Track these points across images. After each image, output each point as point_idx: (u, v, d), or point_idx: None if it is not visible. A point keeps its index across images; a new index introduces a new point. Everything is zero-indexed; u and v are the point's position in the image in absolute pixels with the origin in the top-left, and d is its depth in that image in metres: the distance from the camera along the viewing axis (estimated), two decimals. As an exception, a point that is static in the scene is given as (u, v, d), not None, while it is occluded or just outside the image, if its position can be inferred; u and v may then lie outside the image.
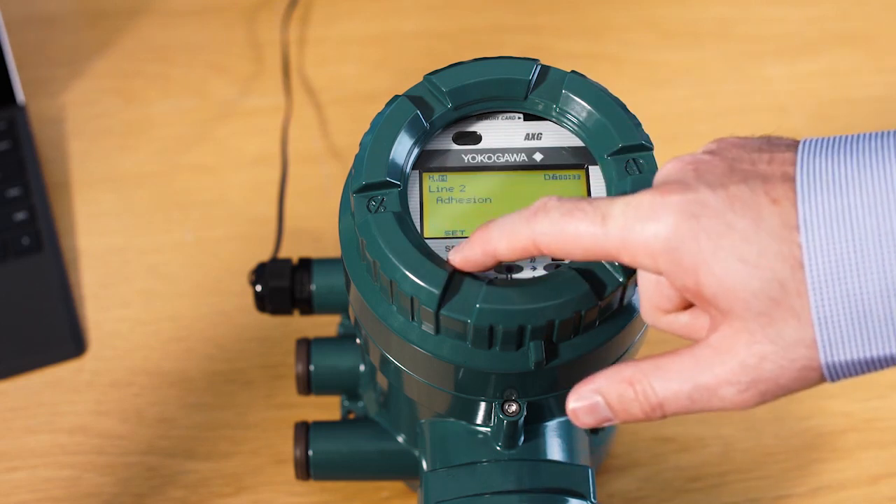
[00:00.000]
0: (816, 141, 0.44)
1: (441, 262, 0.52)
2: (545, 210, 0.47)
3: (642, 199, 0.45)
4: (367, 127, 0.57)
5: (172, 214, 0.85)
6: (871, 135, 0.43)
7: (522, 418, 0.56)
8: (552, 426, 0.59)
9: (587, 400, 0.48)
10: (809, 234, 0.42)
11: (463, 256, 0.51)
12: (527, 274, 0.54)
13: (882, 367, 0.43)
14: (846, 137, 0.44)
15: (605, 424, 0.48)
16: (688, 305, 0.49)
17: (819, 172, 0.43)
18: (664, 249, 0.44)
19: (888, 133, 0.43)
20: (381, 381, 0.63)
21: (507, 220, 0.49)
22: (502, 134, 0.58)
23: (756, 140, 0.46)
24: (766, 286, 0.42)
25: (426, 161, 0.57)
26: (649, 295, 0.50)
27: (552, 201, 0.47)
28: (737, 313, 0.43)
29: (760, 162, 0.44)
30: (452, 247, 0.55)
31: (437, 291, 0.51)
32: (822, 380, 0.44)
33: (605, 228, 0.45)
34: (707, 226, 0.43)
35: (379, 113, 0.57)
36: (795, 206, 0.42)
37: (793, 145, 0.45)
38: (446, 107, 0.57)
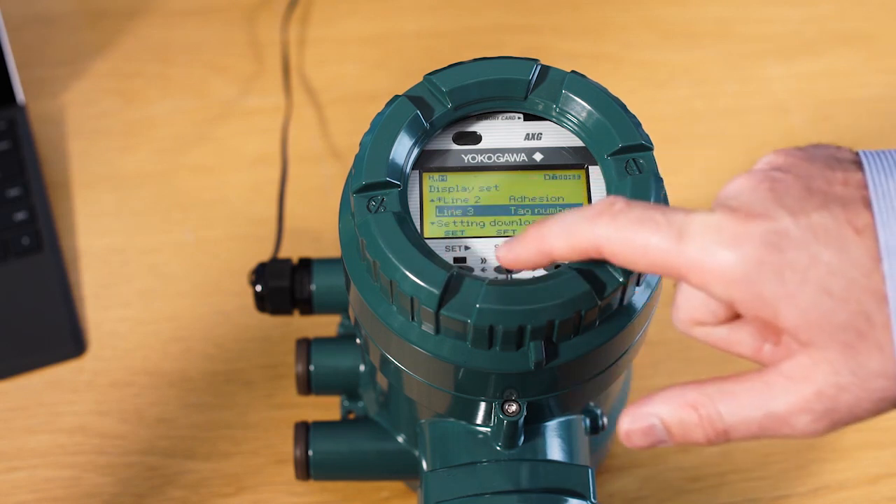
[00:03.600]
0: (878, 157, 0.43)
1: (441, 262, 0.52)
2: (611, 213, 0.45)
3: (723, 222, 0.43)
4: (367, 127, 0.57)
5: (172, 214, 0.85)
6: None
7: (522, 418, 0.56)
8: (552, 426, 0.59)
9: (643, 422, 0.46)
10: (892, 263, 0.41)
11: (515, 255, 0.49)
12: (527, 274, 0.54)
13: None
14: None
15: (658, 446, 0.46)
16: (727, 321, 0.47)
17: (893, 196, 0.42)
18: (743, 280, 0.43)
19: None
20: (381, 381, 0.63)
21: (567, 218, 0.46)
22: (502, 134, 0.58)
23: (819, 152, 0.45)
24: (853, 319, 0.42)
25: (426, 161, 0.57)
26: (690, 308, 0.48)
27: (619, 203, 0.45)
28: (819, 345, 0.42)
29: (835, 182, 0.43)
30: (453, 247, 0.55)
31: (437, 291, 0.51)
32: (894, 407, 0.43)
33: (680, 247, 0.43)
34: (792, 259, 0.42)
35: (379, 113, 0.57)
36: (876, 234, 0.42)
37: (857, 162, 0.44)
38: (446, 107, 0.57)
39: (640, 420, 0.46)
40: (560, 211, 0.55)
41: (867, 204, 0.42)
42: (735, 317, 0.47)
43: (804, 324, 0.42)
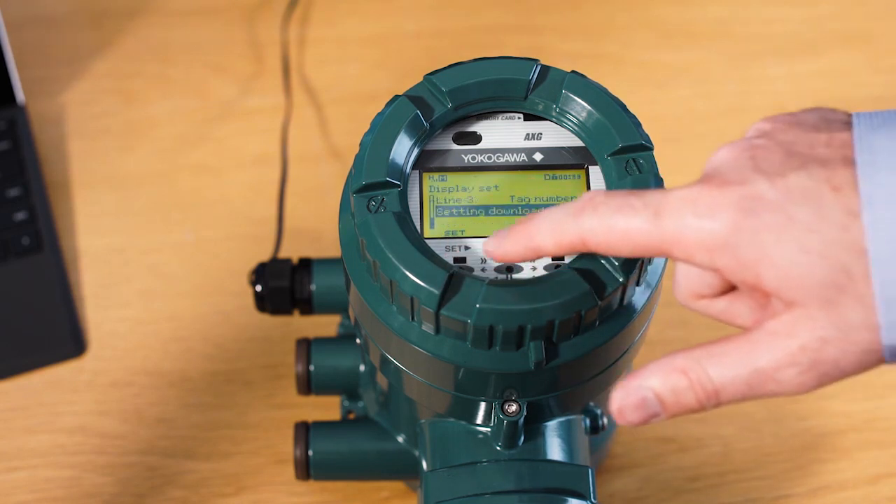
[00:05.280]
0: (870, 116, 0.44)
1: (441, 262, 0.52)
2: (593, 206, 0.46)
3: (699, 193, 0.44)
4: (367, 127, 0.57)
5: (172, 214, 0.85)
6: None
7: (522, 418, 0.56)
8: (552, 426, 0.60)
9: (635, 395, 0.46)
10: (872, 214, 0.41)
11: (504, 251, 0.49)
12: (527, 274, 0.54)
13: None
14: None
15: (652, 421, 0.46)
16: (725, 292, 0.48)
17: (879, 150, 0.42)
18: (722, 246, 0.43)
19: None
20: (381, 381, 0.63)
21: (552, 215, 0.47)
22: (502, 134, 0.58)
23: (810, 115, 0.45)
24: (831, 274, 0.42)
25: (426, 161, 0.57)
26: (688, 282, 0.49)
27: (599, 196, 0.46)
28: (800, 302, 0.43)
29: (818, 144, 0.44)
30: (453, 247, 0.55)
31: (437, 291, 0.51)
32: (881, 362, 0.43)
33: (658, 224, 0.44)
34: (767, 220, 0.43)
35: (379, 113, 0.57)
36: (857, 190, 0.42)
37: (848, 122, 0.44)
38: (446, 107, 0.57)
39: (632, 394, 0.46)
40: None
41: (847, 162, 0.42)
42: (731, 287, 0.48)
43: (784, 283, 0.43)
